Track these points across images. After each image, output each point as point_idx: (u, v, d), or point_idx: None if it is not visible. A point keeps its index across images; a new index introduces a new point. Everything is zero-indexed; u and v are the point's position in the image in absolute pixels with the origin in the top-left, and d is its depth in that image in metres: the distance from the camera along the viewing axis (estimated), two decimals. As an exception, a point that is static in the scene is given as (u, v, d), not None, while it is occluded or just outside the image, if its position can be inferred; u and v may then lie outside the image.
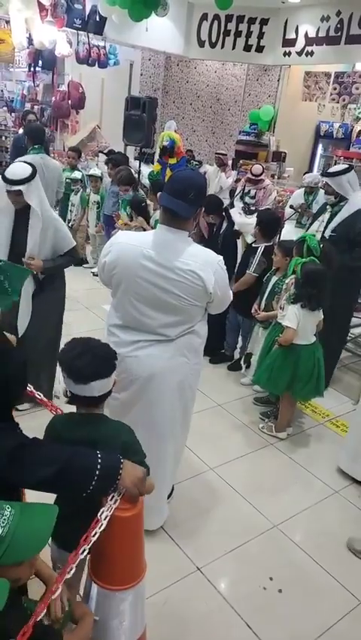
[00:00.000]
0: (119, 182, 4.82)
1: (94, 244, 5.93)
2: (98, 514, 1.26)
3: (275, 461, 2.94)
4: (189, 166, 5.29)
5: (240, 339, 3.98)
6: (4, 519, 1.03)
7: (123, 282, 1.93)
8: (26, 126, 5.55)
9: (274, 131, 8.34)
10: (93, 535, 1.24)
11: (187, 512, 2.45)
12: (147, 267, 1.86)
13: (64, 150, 7.05)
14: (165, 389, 2.01)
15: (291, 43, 7.49)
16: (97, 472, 1.26)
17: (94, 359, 1.41)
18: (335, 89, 7.86)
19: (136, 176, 5.47)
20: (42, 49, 6.69)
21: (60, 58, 7.11)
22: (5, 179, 2.53)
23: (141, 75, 8.70)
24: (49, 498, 1.33)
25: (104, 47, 7.19)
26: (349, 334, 4.22)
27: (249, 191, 5.66)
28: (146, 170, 5.78)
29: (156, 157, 5.83)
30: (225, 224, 3.85)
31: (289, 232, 4.69)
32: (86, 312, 4.62)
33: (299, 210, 4.95)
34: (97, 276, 2.96)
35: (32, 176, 2.54)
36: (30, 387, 1.67)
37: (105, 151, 6.67)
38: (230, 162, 7.35)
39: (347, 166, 3.57)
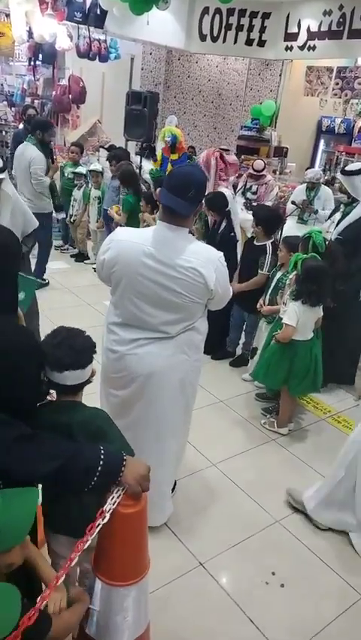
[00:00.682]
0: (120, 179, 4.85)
1: (95, 240, 5.92)
2: (103, 507, 1.27)
3: (277, 457, 2.95)
4: (190, 162, 5.27)
5: (243, 335, 3.98)
6: None
7: (123, 280, 1.91)
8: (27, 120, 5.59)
9: (276, 126, 8.31)
10: (97, 527, 1.24)
11: (189, 508, 2.45)
12: (148, 265, 1.85)
13: (64, 145, 7.03)
14: (165, 387, 2.00)
15: (293, 37, 7.43)
16: (99, 469, 1.26)
17: (71, 350, 1.44)
18: (337, 83, 7.80)
19: (137, 171, 5.46)
20: (42, 42, 6.63)
21: (60, 52, 7.06)
22: None
23: (142, 69, 8.64)
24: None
25: (105, 41, 7.14)
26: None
27: (251, 186, 5.63)
28: (147, 165, 5.76)
29: (158, 153, 5.80)
30: (224, 224, 3.83)
31: (291, 228, 4.67)
32: (88, 307, 4.61)
33: (301, 206, 4.93)
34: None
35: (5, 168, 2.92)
36: None
37: (106, 146, 6.64)
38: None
39: None
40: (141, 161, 5.79)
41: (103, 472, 1.26)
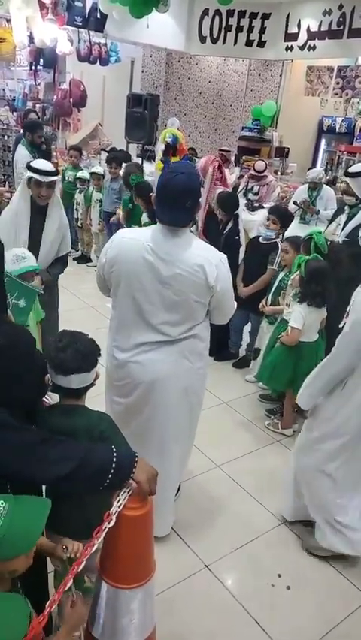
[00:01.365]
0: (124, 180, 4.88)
1: (97, 242, 5.93)
2: (110, 510, 1.27)
3: (281, 458, 2.93)
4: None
5: (247, 336, 3.97)
6: None
7: (123, 278, 1.90)
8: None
9: (277, 127, 8.31)
10: (103, 530, 1.25)
11: (194, 510, 2.45)
12: (149, 261, 1.85)
13: (66, 149, 7.05)
14: (168, 393, 1.99)
15: (293, 37, 7.44)
16: (113, 466, 1.28)
17: (76, 353, 1.46)
18: (337, 83, 7.79)
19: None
20: (43, 47, 6.68)
21: (61, 56, 7.09)
22: (41, 172, 2.58)
23: (143, 72, 8.66)
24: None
25: (105, 44, 7.17)
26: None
27: (252, 187, 5.64)
28: (148, 167, 5.77)
29: (158, 154, 5.81)
30: (230, 225, 3.83)
31: (293, 228, 4.66)
32: (91, 310, 4.62)
33: (302, 206, 4.93)
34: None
35: (57, 172, 2.82)
36: None
37: (107, 149, 6.66)
38: (233, 158, 7.33)
39: None
40: (142, 164, 5.81)
41: (117, 470, 1.28)
